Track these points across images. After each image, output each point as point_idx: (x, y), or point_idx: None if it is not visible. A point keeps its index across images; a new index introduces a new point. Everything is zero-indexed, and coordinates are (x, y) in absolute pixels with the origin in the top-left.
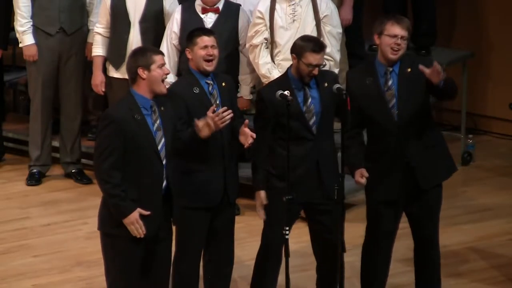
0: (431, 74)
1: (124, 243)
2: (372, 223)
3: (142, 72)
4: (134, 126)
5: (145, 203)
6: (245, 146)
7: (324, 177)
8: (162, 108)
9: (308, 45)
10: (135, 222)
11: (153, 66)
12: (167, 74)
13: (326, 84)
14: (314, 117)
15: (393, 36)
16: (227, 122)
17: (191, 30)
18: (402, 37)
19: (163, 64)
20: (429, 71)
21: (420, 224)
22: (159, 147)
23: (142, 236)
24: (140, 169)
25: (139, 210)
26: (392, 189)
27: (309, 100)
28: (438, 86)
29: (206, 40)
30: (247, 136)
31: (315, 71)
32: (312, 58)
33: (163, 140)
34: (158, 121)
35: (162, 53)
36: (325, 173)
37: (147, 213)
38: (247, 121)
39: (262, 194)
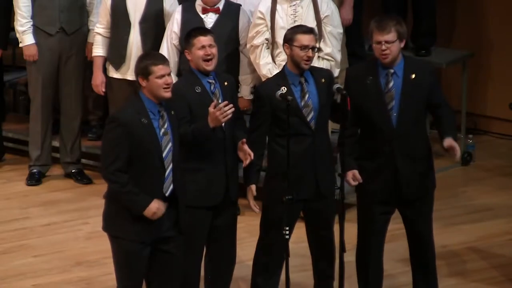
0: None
1: (127, 246)
2: (363, 222)
3: (141, 81)
4: (140, 130)
5: None
6: (244, 165)
7: (320, 174)
8: (172, 112)
9: (297, 29)
10: (157, 212)
11: (151, 77)
12: (169, 83)
13: (323, 80)
14: (313, 113)
15: (377, 43)
16: (229, 116)
17: (188, 31)
18: (386, 42)
19: (164, 75)
20: (447, 146)
21: (413, 224)
22: (164, 153)
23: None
24: (142, 172)
25: (156, 200)
26: (382, 189)
27: (307, 95)
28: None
29: (203, 40)
30: (246, 154)
31: (310, 53)
32: (303, 38)
33: (169, 145)
34: (165, 126)
35: (164, 62)
36: (321, 170)
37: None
38: (244, 139)
39: (253, 187)
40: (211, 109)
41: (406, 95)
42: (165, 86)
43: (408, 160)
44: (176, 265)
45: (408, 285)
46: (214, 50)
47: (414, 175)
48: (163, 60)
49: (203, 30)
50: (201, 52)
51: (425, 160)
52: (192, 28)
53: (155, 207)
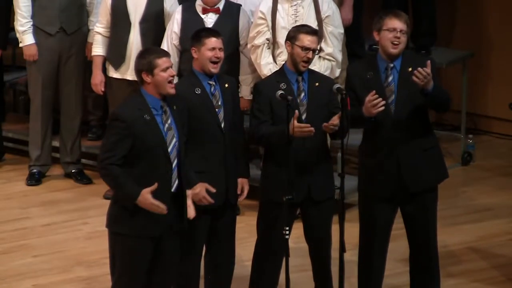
0: (414, 76)
1: (132, 243)
2: (366, 219)
3: (146, 77)
4: (143, 126)
5: None
6: (240, 200)
7: (312, 177)
8: (174, 107)
9: (301, 28)
10: (148, 204)
11: (156, 70)
12: (173, 76)
13: (317, 84)
14: (306, 112)
15: (392, 29)
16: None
17: (199, 29)
18: (401, 31)
19: (168, 67)
20: (414, 74)
21: (415, 226)
22: (169, 148)
23: (165, 212)
24: (148, 169)
25: (146, 190)
26: (386, 185)
27: (302, 94)
28: (424, 91)
29: (214, 42)
30: (242, 192)
31: (309, 55)
32: (306, 39)
33: (174, 140)
34: (169, 121)
35: (166, 55)
36: (313, 173)
37: (154, 187)
38: (246, 186)
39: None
40: (203, 191)
41: (403, 88)
42: (170, 79)
43: (410, 153)
44: (169, 268)
45: (407, 286)
46: (222, 54)
47: (417, 167)
48: (165, 53)
49: (215, 32)
50: (210, 53)
51: (429, 151)
52: (203, 28)
53: (144, 199)
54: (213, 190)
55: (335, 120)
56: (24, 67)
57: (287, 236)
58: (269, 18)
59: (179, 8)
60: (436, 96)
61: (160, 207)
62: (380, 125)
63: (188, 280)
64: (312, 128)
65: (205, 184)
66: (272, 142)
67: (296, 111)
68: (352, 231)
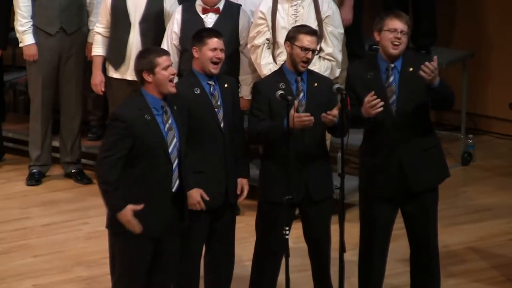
0: (421, 71)
1: (132, 243)
2: (366, 219)
3: (147, 76)
4: (143, 126)
5: (152, 203)
6: (239, 200)
7: (310, 177)
8: (175, 108)
9: (301, 29)
10: (126, 221)
11: (157, 69)
12: (174, 74)
13: (316, 84)
14: (305, 112)
15: (393, 30)
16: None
17: (200, 29)
18: (402, 31)
19: (169, 66)
20: (421, 69)
21: (416, 226)
22: (170, 148)
23: (138, 232)
24: (148, 169)
25: (130, 207)
26: (386, 185)
27: (301, 94)
28: (430, 86)
29: (216, 42)
30: (242, 191)
31: (309, 55)
32: (305, 39)
33: (175, 140)
34: (170, 121)
35: (167, 54)
36: (311, 173)
37: (140, 207)
38: (246, 188)
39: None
40: (199, 198)
41: (404, 88)
42: (171, 78)
43: (411, 152)
44: (169, 268)
45: (407, 286)
46: (223, 55)
47: (418, 167)
48: (165, 52)
49: (217, 32)
50: (211, 54)
51: (430, 151)
52: (204, 28)
53: (125, 216)
54: (207, 198)
55: (334, 111)
56: (24, 67)
57: (287, 236)
58: (269, 18)
59: (179, 8)
60: (442, 92)
61: (135, 228)
62: (381, 125)
63: (188, 280)
64: (312, 118)
65: (200, 190)
66: (270, 138)
67: (296, 102)
68: (352, 231)
